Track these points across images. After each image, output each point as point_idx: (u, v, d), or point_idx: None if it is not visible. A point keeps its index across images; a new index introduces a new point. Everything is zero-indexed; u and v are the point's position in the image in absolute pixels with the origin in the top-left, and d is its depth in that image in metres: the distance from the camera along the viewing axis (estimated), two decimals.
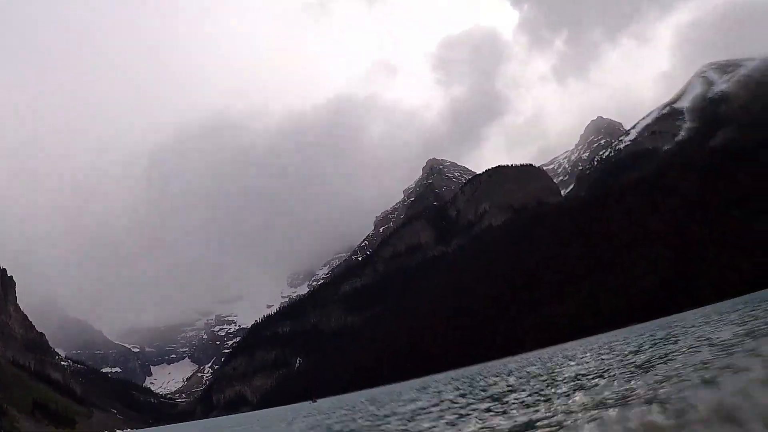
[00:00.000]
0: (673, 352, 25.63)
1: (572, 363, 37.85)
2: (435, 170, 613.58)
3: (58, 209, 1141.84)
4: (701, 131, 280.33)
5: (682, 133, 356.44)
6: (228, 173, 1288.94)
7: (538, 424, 14.71)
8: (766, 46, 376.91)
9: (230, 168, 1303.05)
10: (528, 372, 39.32)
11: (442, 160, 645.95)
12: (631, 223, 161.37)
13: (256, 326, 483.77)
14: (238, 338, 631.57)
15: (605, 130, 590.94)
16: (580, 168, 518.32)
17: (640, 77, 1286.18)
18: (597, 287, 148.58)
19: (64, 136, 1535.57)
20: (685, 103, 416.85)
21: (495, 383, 35.45)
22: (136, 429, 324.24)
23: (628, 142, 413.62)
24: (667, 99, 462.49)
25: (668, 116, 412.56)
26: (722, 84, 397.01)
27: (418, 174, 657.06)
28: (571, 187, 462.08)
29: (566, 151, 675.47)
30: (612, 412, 10.82)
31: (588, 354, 44.72)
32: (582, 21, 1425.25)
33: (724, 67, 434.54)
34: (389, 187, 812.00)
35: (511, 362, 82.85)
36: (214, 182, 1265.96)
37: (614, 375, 22.50)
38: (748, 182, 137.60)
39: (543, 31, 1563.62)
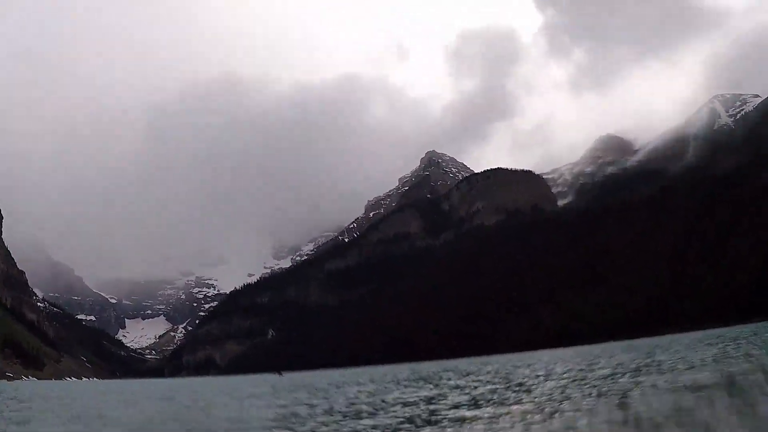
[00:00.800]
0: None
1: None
2: (433, 162, 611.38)
3: (55, 154, 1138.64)
4: (704, 158, 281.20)
5: (687, 159, 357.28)
6: (227, 137, 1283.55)
7: None
8: None
9: (230, 132, 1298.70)
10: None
11: (441, 153, 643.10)
12: (629, 241, 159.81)
13: (235, 293, 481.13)
14: (216, 302, 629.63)
15: (614, 147, 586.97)
16: (582, 182, 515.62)
17: (660, 99, 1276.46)
18: (589, 298, 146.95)
19: (68, 80, 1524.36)
20: (693, 130, 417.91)
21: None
22: (103, 380, 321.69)
23: (635, 162, 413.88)
24: (678, 123, 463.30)
25: (675, 141, 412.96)
26: (726, 117, 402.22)
27: (416, 164, 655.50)
28: (569, 199, 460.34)
29: (570, 163, 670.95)
30: None
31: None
32: (607, 36, 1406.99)
33: (731, 101, 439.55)
34: (384, 172, 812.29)
35: (486, 363, 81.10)
36: (213, 144, 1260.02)
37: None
38: (746, 211, 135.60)
39: (564, 39, 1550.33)
